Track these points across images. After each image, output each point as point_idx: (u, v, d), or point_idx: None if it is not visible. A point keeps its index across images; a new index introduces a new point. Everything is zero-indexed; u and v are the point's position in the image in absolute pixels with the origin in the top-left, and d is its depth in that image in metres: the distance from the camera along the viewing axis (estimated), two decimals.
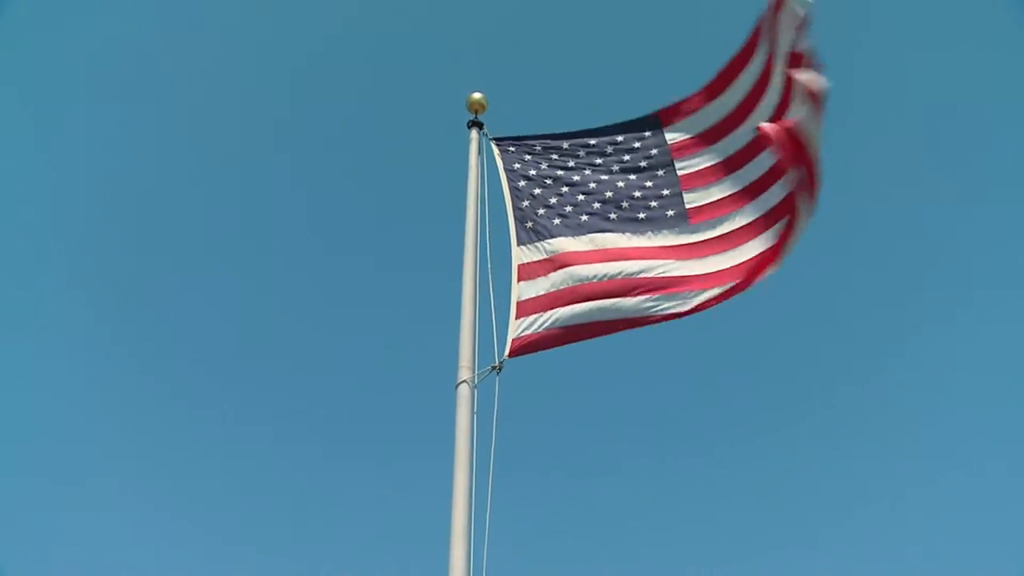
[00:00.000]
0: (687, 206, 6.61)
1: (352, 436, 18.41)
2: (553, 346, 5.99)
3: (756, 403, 18.97)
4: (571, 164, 6.97)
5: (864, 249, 19.41)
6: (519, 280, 6.24)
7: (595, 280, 6.23)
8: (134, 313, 18.42)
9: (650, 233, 6.50)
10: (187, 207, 19.47)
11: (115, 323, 18.13)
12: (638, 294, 6.12)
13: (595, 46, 22.03)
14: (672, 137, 6.93)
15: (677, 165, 6.85)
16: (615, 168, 6.87)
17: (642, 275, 6.21)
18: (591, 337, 6.07)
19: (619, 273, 6.24)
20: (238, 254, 19.73)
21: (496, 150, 7.15)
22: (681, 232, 6.47)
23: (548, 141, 7.12)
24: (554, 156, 7.06)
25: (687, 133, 6.91)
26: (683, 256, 6.32)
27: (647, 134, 6.89)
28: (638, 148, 6.91)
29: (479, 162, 7.06)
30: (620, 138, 6.98)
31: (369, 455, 18.26)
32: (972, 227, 18.58)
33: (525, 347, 5.88)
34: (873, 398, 18.11)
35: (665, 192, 6.73)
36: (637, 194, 6.74)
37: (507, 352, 5.82)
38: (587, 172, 6.89)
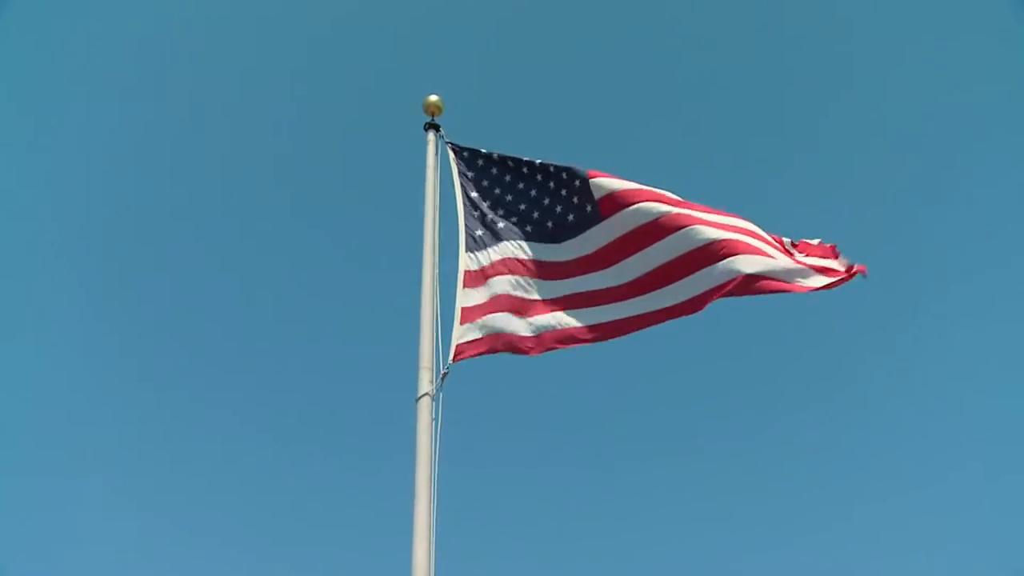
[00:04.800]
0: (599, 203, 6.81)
1: (316, 434, 18.94)
2: (490, 353, 6.29)
3: (742, 402, 19.31)
4: (519, 176, 7.17)
5: (859, 247, 19.42)
6: (464, 286, 6.50)
7: (534, 296, 6.57)
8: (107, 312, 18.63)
9: (573, 240, 6.78)
10: (150, 208, 19.58)
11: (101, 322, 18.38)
12: (565, 308, 6.50)
13: (553, 49, 21.88)
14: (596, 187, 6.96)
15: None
16: (550, 187, 7.05)
17: (569, 293, 6.56)
18: (518, 353, 6.37)
19: (552, 292, 6.59)
20: (215, 255, 19.99)
21: (452, 155, 7.34)
22: (594, 233, 6.74)
23: (497, 159, 7.29)
24: (502, 172, 7.24)
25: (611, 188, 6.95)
26: (599, 267, 6.64)
27: (576, 183, 6.98)
28: (564, 179, 7.02)
29: (436, 164, 7.26)
30: (551, 168, 7.09)
31: (332, 453, 18.83)
32: (969, 224, 18.74)
33: (466, 353, 6.17)
34: (869, 397, 18.41)
35: (588, 209, 6.88)
36: (558, 209, 6.95)
37: (451, 358, 6.08)
38: (528, 188, 7.10)
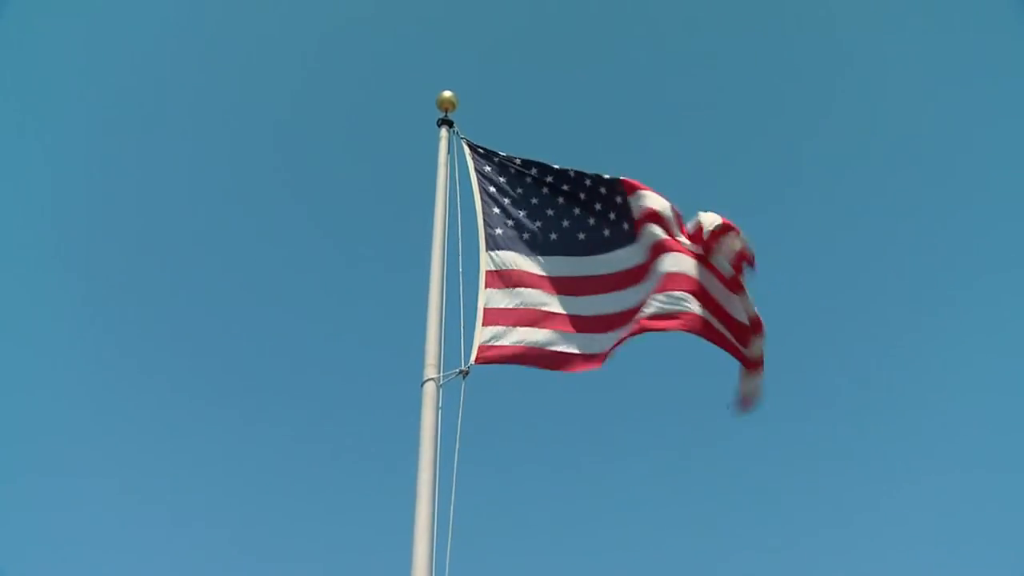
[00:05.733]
0: (640, 239, 6.64)
1: (319, 432, 18.61)
2: (519, 363, 6.04)
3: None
4: (541, 181, 6.95)
5: (855, 247, 19.51)
6: (487, 287, 6.25)
7: (564, 310, 6.31)
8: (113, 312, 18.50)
9: (606, 256, 6.57)
10: (157, 205, 19.60)
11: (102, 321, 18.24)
12: (604, 330, 6.23)
13: (567, 47, 22.16)
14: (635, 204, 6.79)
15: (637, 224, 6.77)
16: (580, 198, 6.85)
17: (609, 311, 6.31)
18: (554, 369, 6.11)
19: (587, 307, 6.34)
20: (225, 253, 19.87)
21: (468, 151, 7.12)
22: (632, 254, 6.56)
23: (517, 159, 7.08)
24: (523, 171, 7.01)
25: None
26: (636, 281, 6.41)
27: (617, 198, 6.81)
28: (603, 193, 6.84)
29: (448, 160, 7.05)
30: (587, 181, 6.88)
31: (335, 451, 18.42)
32: (965, 223, 18.76)
33: (492, 358, 5.92)
34: (867, 397, 18.16)
35: (624, 227, 6.72)
36: (591, 222, 6.75)
37: (473, 358, 5.84)
38: (553, 195, 6.88)
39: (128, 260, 19.08)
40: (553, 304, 6.33)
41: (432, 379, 5.64)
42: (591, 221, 6.77)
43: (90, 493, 15.74)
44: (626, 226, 6.67)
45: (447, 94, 7.40)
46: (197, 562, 15.40)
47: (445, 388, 5.71)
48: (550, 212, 6.82)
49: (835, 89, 20.53)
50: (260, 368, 19.16)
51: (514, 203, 6.84)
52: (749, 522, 17.01)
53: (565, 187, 6.91)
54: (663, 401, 18.95)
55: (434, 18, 21.27)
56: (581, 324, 6.25)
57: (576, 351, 6.13)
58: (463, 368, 5.77)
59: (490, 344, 5.98)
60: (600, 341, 6.17)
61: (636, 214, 6.67)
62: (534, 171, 7.01)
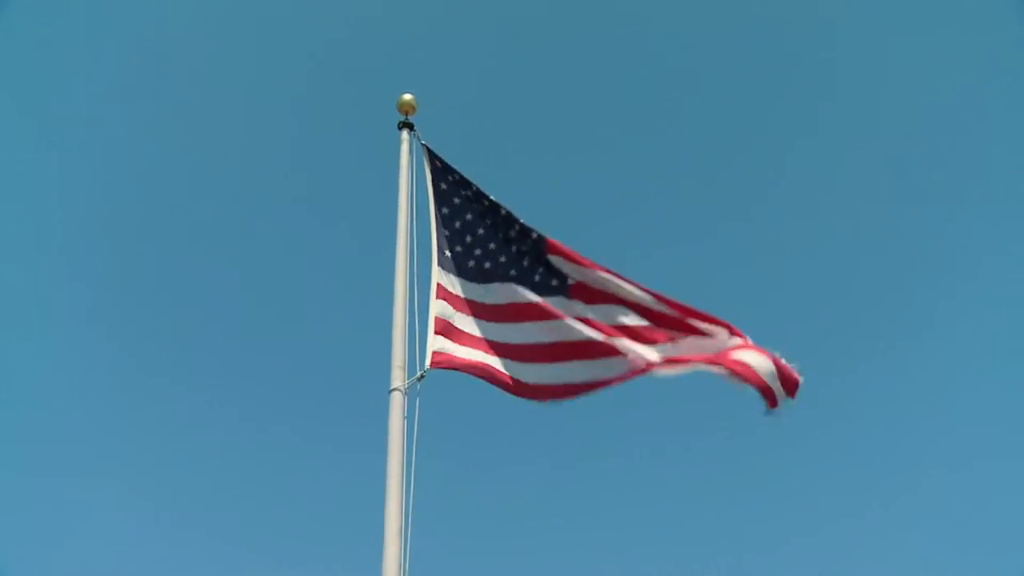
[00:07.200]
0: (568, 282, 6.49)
1: (290, 434, 18.77)
2: (471, 374, 6.15)
3: (721, 404, 19.08)
4: (484, 210, 6.91)
5: (855, 246, 19.62)
6: (437, 297, 6.40)
7: (499, 338, 6.35)
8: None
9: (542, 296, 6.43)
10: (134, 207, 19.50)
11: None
12: (556, 360, 6.15)
13: (529, 51, 22.03)
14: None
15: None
16: (513, 236, 6.75)
17: (558, 341, 6.19)
18: (502, 389, 6.15)
19: (530, 336, 6.27)
20: (192, 254, 19.82)
21: (427, 163, 7.15)
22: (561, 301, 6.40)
23: (473, 185, 7.01)
24: (473, 199, 6.98)
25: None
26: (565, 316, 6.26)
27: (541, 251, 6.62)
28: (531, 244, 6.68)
29: (409, 164, 7.13)
30: (534, 234, 6.66)
31: (308, 454, 18.70)
32: (965, 223, 18.95)
33: (444, 363, 6.05)
34: (864, 395, 18.36)
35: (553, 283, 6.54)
36: (525, 263, 6.61)
37: (428, 363, 5.98)
38: (494, 224, 6.85)
39: (109, 257, 19.06)
40: (488, 331, 6.40)
41: (398, 387, 5.77)
42: (525, 263, 6.64)
43: (89, 493, 15.97)
44: (555, 282, 6.51)
45: (407, 97, 7.45)
46: (186, 562, 15.59)
47: (420, 394, 5.83)
48: (492, 246, 6.79)
49: (834, 89, 20.61)
50: (236, 370, 19.31)
51: (463, 227, 6.88)
52: (742, 522, 17.29)
53: (508, 231, 6.79)
54: (642, 399, 19.07)
55: (396, 20, 21.15)
56: (518, 352, 6.27)
57: (518, 378, 6.15)
58: (420, 373, 5.91)
59: (443, 352, 6.12)
60: (540, 371, 6.16)
61: (565, 272, 6.52)
62: (485, 203, 6.94)
